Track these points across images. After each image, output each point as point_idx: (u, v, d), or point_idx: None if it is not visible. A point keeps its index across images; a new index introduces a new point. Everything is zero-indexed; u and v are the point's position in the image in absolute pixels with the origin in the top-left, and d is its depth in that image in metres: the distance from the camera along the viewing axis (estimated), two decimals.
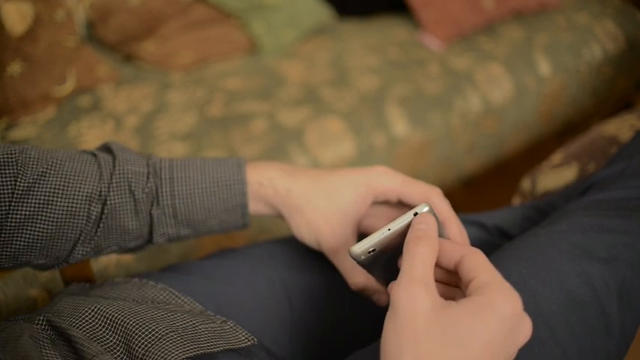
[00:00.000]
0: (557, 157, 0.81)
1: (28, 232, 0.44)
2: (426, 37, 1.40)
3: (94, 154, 0.49)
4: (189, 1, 1.37)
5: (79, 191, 0.45)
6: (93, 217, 0.46)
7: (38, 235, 0.44)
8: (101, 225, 0.46)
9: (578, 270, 0.46)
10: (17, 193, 0.43)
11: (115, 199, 0.46)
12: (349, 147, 1.13)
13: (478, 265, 0.34)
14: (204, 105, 1.16)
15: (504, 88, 1.32)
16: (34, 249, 0.45)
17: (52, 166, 0.45)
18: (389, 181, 0.49)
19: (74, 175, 0.46)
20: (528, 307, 0.43)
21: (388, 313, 0.33)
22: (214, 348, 0.42)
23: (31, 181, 0.44)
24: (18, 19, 1.06)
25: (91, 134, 1.08)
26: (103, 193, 0.46)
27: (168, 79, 1.23)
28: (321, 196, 0.49)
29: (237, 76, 1.25)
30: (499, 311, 0.31)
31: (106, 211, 0.46)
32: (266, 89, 1.21)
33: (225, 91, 1.20)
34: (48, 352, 0.39)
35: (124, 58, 1.32)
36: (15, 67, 1.07)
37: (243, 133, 1.10)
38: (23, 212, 0.43)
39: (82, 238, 0.46)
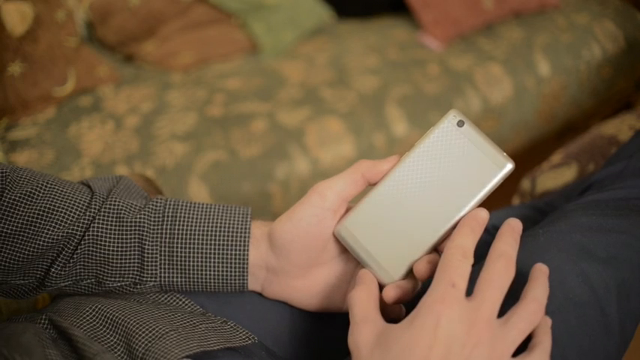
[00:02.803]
0: (556, 157, 0.81)
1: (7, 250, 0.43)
2: (425, 37, 1.40)
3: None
4: (189, 1, 1.37)
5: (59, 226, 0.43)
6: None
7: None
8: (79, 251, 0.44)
9: (577, 270, 0.46)
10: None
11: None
12: (349, 147, 1.13)
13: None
14: (205, 105, 1.16)
15: (504, 89, 1.32)
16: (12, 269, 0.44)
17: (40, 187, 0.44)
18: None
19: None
20: None
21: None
22: (215, 346, 0.42)
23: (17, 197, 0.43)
24: (18, 20, 1.06)
25: (91, 134, 1.08)
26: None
27: (168, 80, 1.24)
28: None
29: (237, 77, 1.25)
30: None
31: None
32: (266, 89, 1.21)
33: (225, 92, 1.20)
34: (50, 351, 0.39)
35: (124, 59, 1.32)
36: (15, 68, 1.08)
37: (243, 133, 1.10)
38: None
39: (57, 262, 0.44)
